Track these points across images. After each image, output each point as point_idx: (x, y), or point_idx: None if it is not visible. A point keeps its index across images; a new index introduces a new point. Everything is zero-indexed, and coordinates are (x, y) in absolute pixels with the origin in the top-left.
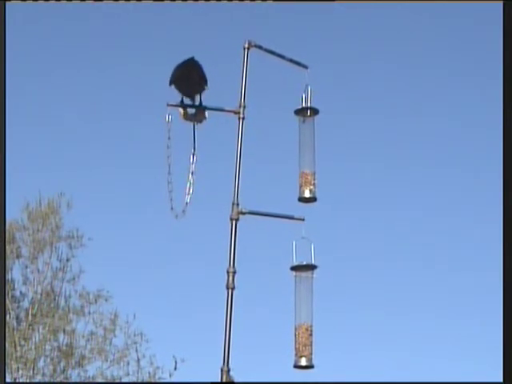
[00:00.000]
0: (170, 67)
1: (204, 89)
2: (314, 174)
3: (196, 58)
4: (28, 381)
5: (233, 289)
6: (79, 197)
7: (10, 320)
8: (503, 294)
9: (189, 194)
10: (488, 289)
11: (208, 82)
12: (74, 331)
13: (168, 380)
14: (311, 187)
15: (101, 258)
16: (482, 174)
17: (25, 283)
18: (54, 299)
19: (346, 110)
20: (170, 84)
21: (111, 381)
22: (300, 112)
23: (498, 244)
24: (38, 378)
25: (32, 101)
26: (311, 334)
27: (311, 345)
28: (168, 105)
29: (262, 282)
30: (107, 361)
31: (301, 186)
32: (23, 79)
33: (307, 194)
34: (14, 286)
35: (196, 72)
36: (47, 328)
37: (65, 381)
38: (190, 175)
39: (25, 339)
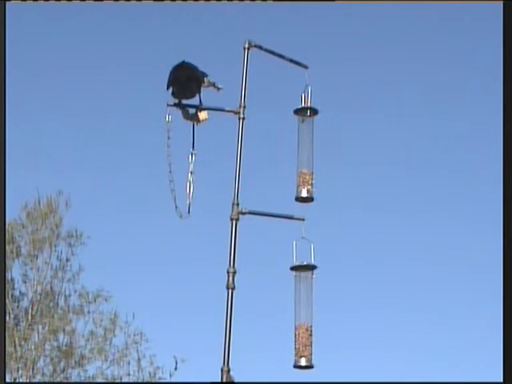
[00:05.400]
0: (171, 67)
1: (196, 90)
2: (312, 173)
3: (185, 61)
4: (28, 381)
5: (233, 289)
6: (78, 196)
7: (10, 320)
8: (503, 294)
9: (190, 193)
10: (488, 289)
11: (203, 83)
12: (73, 331)
13: (168, 380)
14: (309, 187)
15: (100, 258)
16: (482, 175)
17: (24, 282)
18: (54, 299)
19: (346, 110)
20: (167, 89)
21: (111, 381)
22: (299, 112)
23: (498, 244)
24: (38, 378)
25: (31, 100)
26: (311, 334)
27: (311, 345)
28: (168, 105)
29: (262, 282)
30: (107, 361)
31: (298, 186)
32: (23, 78)
33: (304, 194)
34: (13, 285)
35: (185, 74)
36: (47, 328)
37: (65, 381)
38: (190, 174)
39: (25, 339)
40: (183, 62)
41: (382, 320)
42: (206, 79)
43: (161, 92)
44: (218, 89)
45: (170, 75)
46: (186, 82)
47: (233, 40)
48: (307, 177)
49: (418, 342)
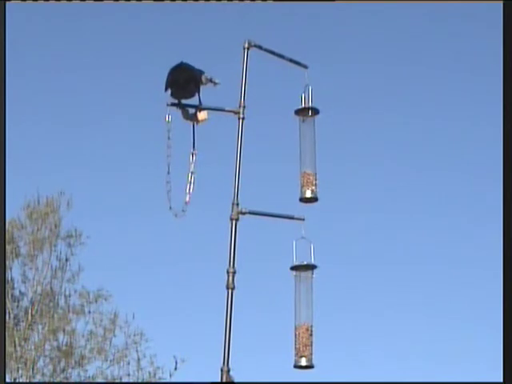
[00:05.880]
0: (170, 67)
1: (195, 91)
2: (316, 174)
3: (183, 62)
4: (28, 381)
5: (233, 289)
6: (79, 196)
7: (10, 320)
8: (503, 293)
9: (189, 193)
10: (488, 289)
11: (202, 83)
12: (73, 331)
13: (168, 380)
14: (313, 187)
15: (101, 258)
16: (483, 176)
17: (24, 282)
18: (54, 299)
19: (346, 110)
20: (165, 90)
21: (111, 381)
22: (300, 112)
23: (498, 243)
24: (38, 378)
25: (32, 100)
26: (311, 334)
27: (311, 345)
28: (168, 105)
29: (262, 282)
30: (107, 361)
31: (302, 186)
32: (23, 78)
33: (309, 194)
34: (13, 285)
35: (181, 75)
36: (47, 328)
37: (65, 381)
38: (190, 174)
39: (25, 339)
40: (181, 63)
41: (382, 320)
42: (203, 77)
43: (161, 92)
44: (215, 84)
45: (168, 77)
46: (184, 84)
47: (233, 40)
48: (311, 177)
49: (418, 341)
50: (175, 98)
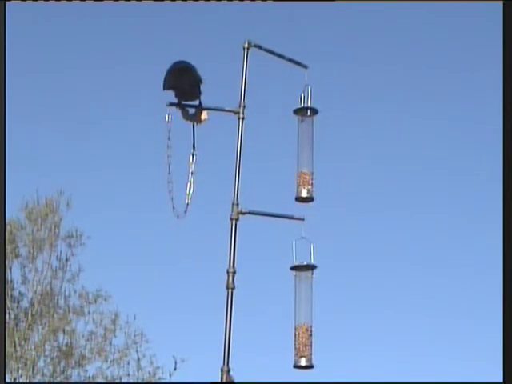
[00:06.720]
0: (170, 66)
1: (198, 93)
2: (312, 173)
3: (185, 62)
4: (28, 381)
5: (233, 289)
6: (79, 196)
7: (10, 320)
8: (503, 294)
9: (189, 193)
10: (488, 288)
11: (202, 83)
12: (73, 331)
13: (168, 380)
14: (309, 187)
15: (101, 258)
16: (483, 176)
17: (24, 283)
18: (54, 299)
19: (346, 109)
20: (164, 89)
21: (111, 381)
22: (299, 112)
23: (498, 243)
24: (38, 378)
25: (32, 100)
26: (311, 335)
27: (311, 345)
28: (168, 104)
29: (262, 282)
30: (107, 361)
31: (298, 186)
32: (23, 78)
33: (304, 194)
34: (13, 285)
35: (186, 80)
36: (47, 328)
37: (65, 381)
38: (190, 175)
39: (25, 339)
40: (182, 63)
41: (382, 320)
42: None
43: (161, 92)
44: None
45: (168, 77)
46: (190, 89)
47: (233, 40)
48: (307, 177)
49: (418, 341)
50: (179, 100)
